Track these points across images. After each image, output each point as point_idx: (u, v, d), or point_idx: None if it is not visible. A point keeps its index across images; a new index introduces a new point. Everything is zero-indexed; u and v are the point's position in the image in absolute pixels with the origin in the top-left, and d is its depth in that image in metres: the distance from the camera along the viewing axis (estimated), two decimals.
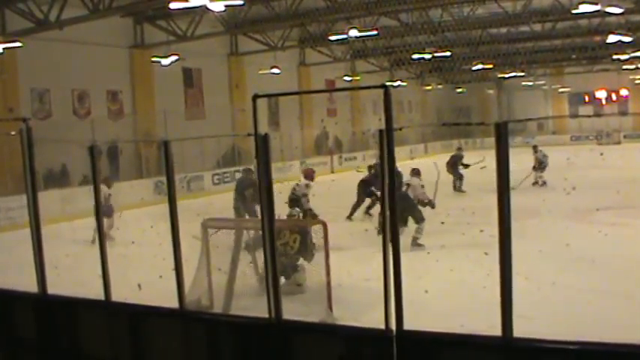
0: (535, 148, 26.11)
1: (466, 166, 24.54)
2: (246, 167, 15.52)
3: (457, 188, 24.53)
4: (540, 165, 25.32)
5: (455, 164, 24.63)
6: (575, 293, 10.18)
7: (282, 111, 37.19)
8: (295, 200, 14.83)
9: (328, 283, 9.27)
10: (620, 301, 9.57)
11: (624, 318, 8.65)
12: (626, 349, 4.07)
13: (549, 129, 57.90)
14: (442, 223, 15.33)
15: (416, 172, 15.54)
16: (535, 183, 25.16)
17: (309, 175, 15.80)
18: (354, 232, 15.77)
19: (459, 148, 25.02)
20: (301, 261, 10.52)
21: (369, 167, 19.92)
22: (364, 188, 18.73)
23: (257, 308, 5.56)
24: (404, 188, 14.93)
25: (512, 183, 4.50)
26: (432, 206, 14.69)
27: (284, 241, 10.22)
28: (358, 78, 42.49)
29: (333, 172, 36.68)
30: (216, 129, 30.25)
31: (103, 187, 15.15)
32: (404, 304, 4.65)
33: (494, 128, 4.35)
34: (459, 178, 24.63)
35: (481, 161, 22.39)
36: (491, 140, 4.38)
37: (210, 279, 9.70)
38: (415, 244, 14.43)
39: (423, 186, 15.14)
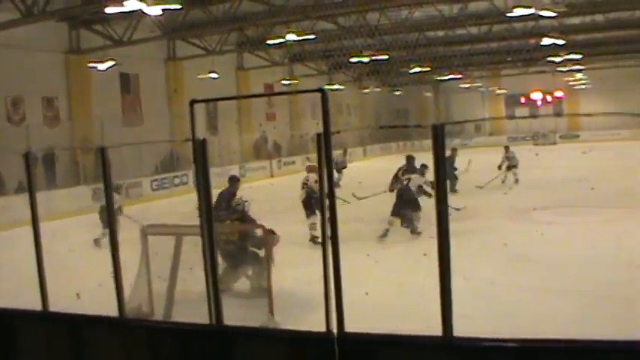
0: (506, 148, 26.79)
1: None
2: (232, 175, 15.28)
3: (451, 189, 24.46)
4: (511, 164, 25.99)
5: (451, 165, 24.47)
6: (514, 292, 10.34)
7: (221, 115, 37.00)
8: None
9: (269, 288, 9.25)
10: (557, 298, 9.75)
11: (562, 314, 8.82)
12: (563, 344, 4.16)
13: (486, 130, 58.86)
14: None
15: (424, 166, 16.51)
16: (504, 181, 25.72)
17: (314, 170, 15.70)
18: (296, 236, 15.78)
19: (454, 149, 25.19)
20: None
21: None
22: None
23: (199, 315, 5.53)
24: (404, 182, 16.01)
25: (480, 183, 4.57)
26: (429, 196, 14.55)
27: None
28: (297, 82, 42.52)
29: (272, 176, 36.65)
30: (155, 135, 29.98)
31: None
32: (345, 306, 4.68)
33: (432, 130, 4.41)
34: (455, 177, 24.62)
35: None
36: (429, 142, 4.44)
37: (151, 286, 9.60)
38: (415, 232, 15.39)
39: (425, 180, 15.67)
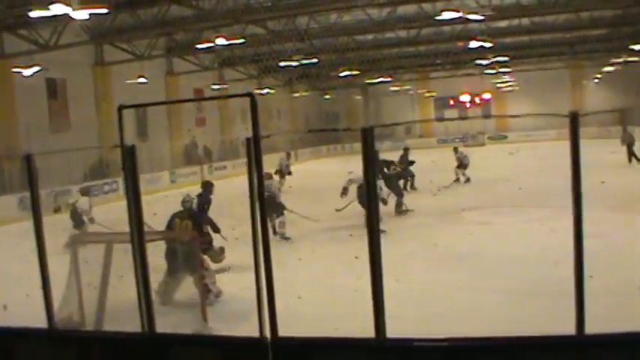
0: (456, 149, 27.53)
1: (411, 163, 24.95)
2: (206, 181, 15.07)
3: (411, 186, 24.91)
4: (462, 163, 26.53)
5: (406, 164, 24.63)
6: (445, 291, 10.47)
7: (151, 121, 36.49)
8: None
9: (202, 293, 9.20)
10: (488, 297, 9.92)
11: (492, 313, 8.98)
12: (494, 342, 4.24)
13: (416, 133, 59.45)
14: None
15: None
16: (457, 180, 26.26)
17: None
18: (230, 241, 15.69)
19: (406, 149, 25.62)
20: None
21: None
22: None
23: (132, 323, 5.46)
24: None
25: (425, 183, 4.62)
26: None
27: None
28: (226, 86, 42.34)
29: None
30: (83, 141, 29.42)
31: None
32: (278, 310, 4.68)
33: (361, 133, 4.46)
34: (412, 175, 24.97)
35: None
36: (360, 145, 4.48)
37: (81, 295, 9.44)
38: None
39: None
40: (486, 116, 62.42)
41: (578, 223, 4.29)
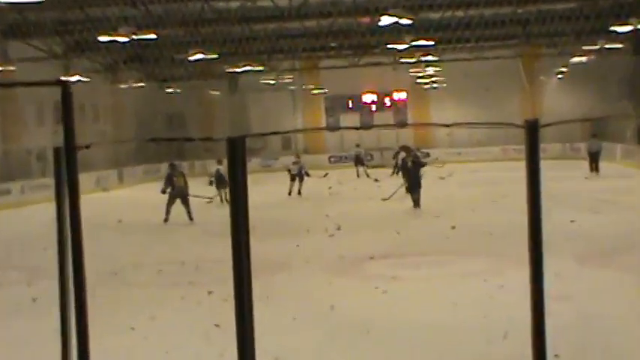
0: (406, 149, 30.65)
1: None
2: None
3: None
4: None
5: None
6: None
7: None
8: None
9: None
10: None
11: None
12: None
13: (299, 146, 59.12)
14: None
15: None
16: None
17: None
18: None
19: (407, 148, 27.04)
20: None
21: None
22: None
23: None
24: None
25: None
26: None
27: None
28: (12, 68, 41.10)
29: None
30: None
31: None
32: None
33: (227, 145, 4.49)
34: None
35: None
36: (218, 162, 4.52)
37: None
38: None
39: None
40: (401, 124, 63.25)
41: (537, 279, 4.43)
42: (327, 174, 38.37)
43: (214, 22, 38.54)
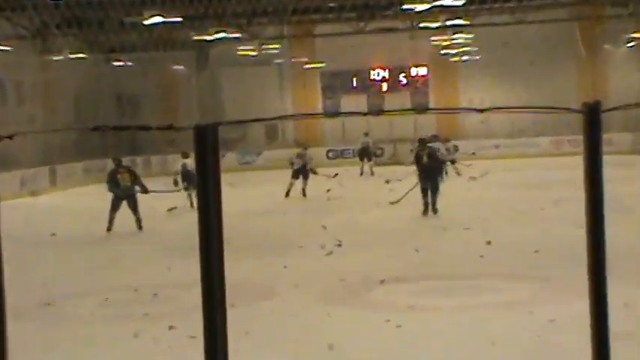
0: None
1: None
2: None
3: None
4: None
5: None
6: None
7: None
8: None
9: None
10: None
11: None
12: None
13: (288, 137, 59.05)
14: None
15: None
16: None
17: None
18: None
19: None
20: None
21: None
22: None
23: None
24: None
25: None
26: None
27: None
28: None
29: None
30: None
31: None
32: None
33: (195, 135, 4.45)
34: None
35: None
36: (183, 155, 4.49)
37: None
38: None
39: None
40: (422, 109, 63.20)
41: (599, 312, 4.38)
42: (336, 174, 37.99)
43: None
